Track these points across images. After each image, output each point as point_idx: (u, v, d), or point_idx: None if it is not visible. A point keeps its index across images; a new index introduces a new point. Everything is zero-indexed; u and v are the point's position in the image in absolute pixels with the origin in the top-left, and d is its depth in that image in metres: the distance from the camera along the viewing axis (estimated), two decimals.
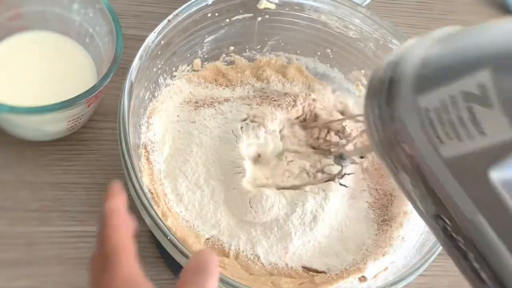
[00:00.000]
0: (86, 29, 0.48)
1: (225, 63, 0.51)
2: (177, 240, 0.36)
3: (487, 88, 0.22)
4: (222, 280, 0.35)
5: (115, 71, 0.43)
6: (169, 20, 0.44)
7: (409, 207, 0.46)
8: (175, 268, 0.46)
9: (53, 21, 0.48)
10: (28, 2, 0.47)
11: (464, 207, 0.25)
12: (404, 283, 0.38)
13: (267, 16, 0.50)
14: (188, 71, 0.49)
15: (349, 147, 0.46)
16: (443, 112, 0.24)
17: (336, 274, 0.43)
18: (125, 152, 0.38)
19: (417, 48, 0.27)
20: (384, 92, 0.28)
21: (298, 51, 0.53)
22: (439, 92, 0.24)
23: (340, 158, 0.44)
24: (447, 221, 0.26)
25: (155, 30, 0.43)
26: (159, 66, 0.45)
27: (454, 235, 0.26)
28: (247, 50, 0.52)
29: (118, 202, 0.34)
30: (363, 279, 0.42)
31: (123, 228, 0.33)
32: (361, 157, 0.48)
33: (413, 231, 0.44)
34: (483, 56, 0.23)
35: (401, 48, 0.28)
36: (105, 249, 0.33)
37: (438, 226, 0.27)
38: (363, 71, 0.52)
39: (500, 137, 0.22)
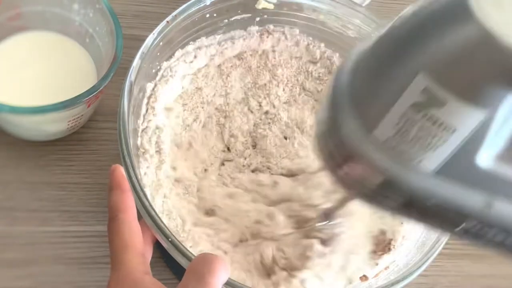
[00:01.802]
0: (86, 29, 0.48)
1: None
2: (178, 241, 0.36)
3: (432, 89, 0.22)
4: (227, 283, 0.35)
5: (115, 71, 0.43)
6: (168, 21, 0.44)
7: None
8: (175, 268, 0.46)
9: (53, 21, 0.48)
10: (28, 2, 0.47)
11: (475, 201, 0.24)
12: (405, 282, 0.38)
13: (265, 16, 0.50)
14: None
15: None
16: (405, 134, 0.23)
17: None
18: (125, 152, 0.38)
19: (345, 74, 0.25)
20: (337, 137, 0.25)
21: None
22: (389, 119, 0.23)
23: (325, 218, 0.41)
24: (471, 225, 0.24)
25: (154, 31, 0.43)
26: (159, 66, 0.45)
27: (481, 231, 0.25)
28: None
29: (123, 196, 0.35)
30: (364, 278, 0.42)
31: (129, 225, 0.34)
32: None
33: (414, 229, 0.44)
34: (409, 63, 0.22)
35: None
36: (111, 246, 0.33)
37: (460, 232, 0.25)
38: None
39: (472, 123, 0.22)
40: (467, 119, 0.22)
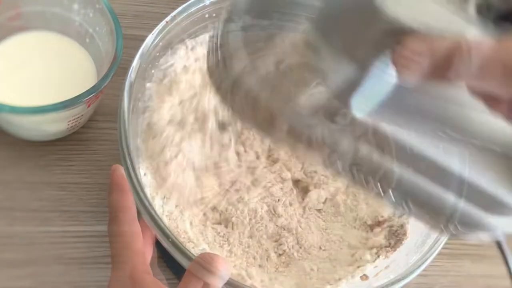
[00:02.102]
0: (86, 29, 0.48)
1: None
2: (178, 241, 0.36)
3: (310, 34, 0.23)
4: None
5: (115, 71, 0.43)
6: (167, 22, 0.44)
7: None
8: (175, 268, 0.46)
9: (53, 21, 0.48)
10: (28, 2, 0.47)
11: (347, 146, 0.26)
12: (405, 281, 0.38)
13: None
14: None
15: None
16: (285, 71, 0.24)
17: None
18: (125, 152, 0.38)
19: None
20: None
21: None
22: (269, 53, 0.25)
23: None
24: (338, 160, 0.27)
25: (153, 31, 0.43)
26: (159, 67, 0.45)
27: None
28: None
29: (124, 196, 0.35)
30: (364, 277, 0.42)
31: (130, 225, 0.34)
32: None
33: (414, 229, 0.44)
34: (293, 7, 0.24)
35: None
36: (112, 246, 0.33)
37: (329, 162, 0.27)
38: None
39: (341, 75, 0.23)
40: (338, 70, 0.23)
